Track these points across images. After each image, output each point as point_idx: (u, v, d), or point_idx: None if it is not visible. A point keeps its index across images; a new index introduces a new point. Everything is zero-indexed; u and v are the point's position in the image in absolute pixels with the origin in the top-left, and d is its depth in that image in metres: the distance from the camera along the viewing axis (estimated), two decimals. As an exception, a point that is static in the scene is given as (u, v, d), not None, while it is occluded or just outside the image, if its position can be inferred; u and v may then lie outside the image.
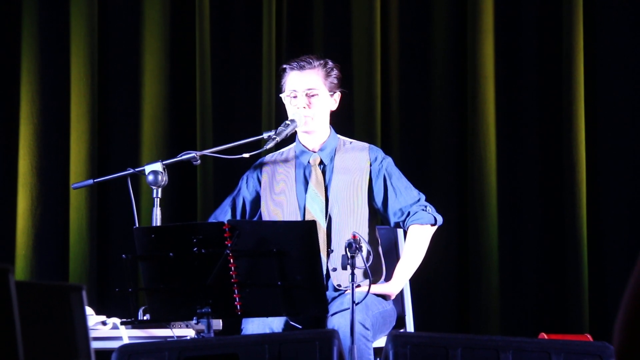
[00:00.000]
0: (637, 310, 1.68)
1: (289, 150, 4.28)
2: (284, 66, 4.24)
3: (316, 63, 4.18)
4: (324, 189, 4.14)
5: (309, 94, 4.16)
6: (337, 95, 4.23)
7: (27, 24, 5.30)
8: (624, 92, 5.39)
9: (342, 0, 5.46)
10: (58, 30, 5.33)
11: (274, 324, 3.95)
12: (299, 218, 4.10)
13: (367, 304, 3.88)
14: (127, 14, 5.41)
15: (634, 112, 5.38)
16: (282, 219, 4.11)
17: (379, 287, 4.08)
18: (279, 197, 4.17)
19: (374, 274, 4.00)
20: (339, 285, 4.05)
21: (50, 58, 5.31)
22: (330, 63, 4.21)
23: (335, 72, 4.21)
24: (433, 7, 5.47)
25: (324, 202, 4.12)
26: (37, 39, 5.30)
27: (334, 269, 4.05)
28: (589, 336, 4.32)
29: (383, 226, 4.33)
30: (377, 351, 4.08)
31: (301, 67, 4.17)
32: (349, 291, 3.98)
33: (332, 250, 4.05)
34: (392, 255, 4.32)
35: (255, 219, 4.23)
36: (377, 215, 4.24)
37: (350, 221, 4.10)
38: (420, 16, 5.48)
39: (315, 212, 4.10)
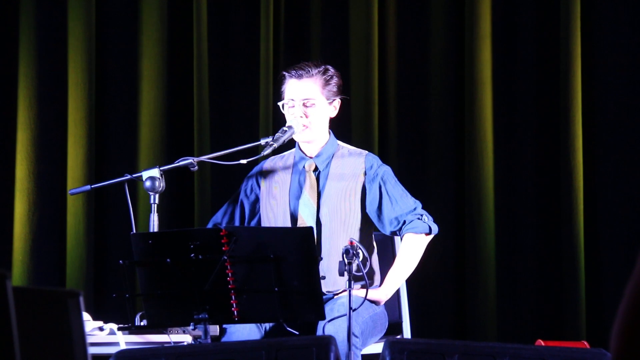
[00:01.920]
0: (634, 317, 1.69)
1: (289, 154, 4.27)
2: (284, 73, 4.22)
3: (314, 71, 4.15)
4: (316, 195, 4.13)
5: (306, 104, 4.14)
6: (337, 102, 4.21)
7: (25, 30, 5.30)
8: (622, 98, 5.40)
9: (339, 6, 5.46)
10: (56, 36, 5.33)
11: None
12: (288, 224, 4.10)
13: (357, 310, 3.87)
14: (124, 20, 5.41)
15: (631, 118, 5.39)
16: (274, 224, 4.11)
17: (369, 293, 4.07)
18: (274, 202, 4.17)
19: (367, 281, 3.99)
20: (328, 292, 4.04)
21: (47, 64, 5.31)
22: (330, 70, 4.18)
23: (334, 80, 4.18)
24: (430, 13, 5.48)
25: (316, 208, 4.11)
26: (34, 45, 5.30)
27: (323, 277, 4.03)
28: (586, 343, 4.32)
29: (379, 232, 4.32)
30: (373, 357, 4.08)
31: (299, 76, 4.14)
32: (338, 297, 3.99)
33: (322, 258, 4.01)
34: (389, 262, 4.31)
35: (254, 223, 4.23)
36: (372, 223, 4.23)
37: (340, 228, 4.08)
38: (418, 22, 5.49)
39: (306, 218, 4.09)
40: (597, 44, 5.44)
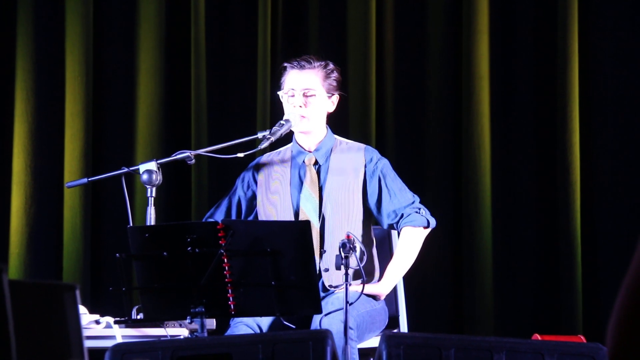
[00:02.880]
0: (630, 312, 1.69)
1: (286, 149, 4.28)
2: (285, 64, 4.24)
3: (316, 64, 4.18)
4: (318, 189, 4.14)
5: (306, 94, 4.16)
6: (336, 98, 4.23)
7: (22, 22, 5.30)
8: (619, 94, 5.40)
9: (337, 1, 5.46)
10: (53, 29, 5.32)
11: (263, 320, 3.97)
12: (292, 218, 4.11)
13: (354, 304, 3.87)
14: (122, 12, 5.40)
15: (628, 113, 5.39)
16: (276, 219, 4.12)
17: (369, 287, 4.08)
18: (274, 197, 4.18)
19: (366, 275, 4.00)
20: (331, 286, 4.05)
21: (45, 56, 5.31)
22: (331, 65, 4.21)
23: (335, 74, 4.21)
24: (428, 8, 5.48)
25: (318, 202, 4.12)
26: (32, 37, 5.30)
27: (326, 270, 4.05)
28: (582, 337, 4.32)
29: (378, 226, 4.33)
30: (371, 351, 4.08)
31: (301, 67, 4.18)
32: (338, 291, 4.00)
33: (325, 251, 4.05)
34: (387, 256, 4.32)
35: (251, 218, 4.24)
36: (372, 216, 4.24)
37: (343, 222, 4.10)
38: (416, 16, 5.48)
39: (309, 212, 4.10)
40: (595, 39, 5.43)
